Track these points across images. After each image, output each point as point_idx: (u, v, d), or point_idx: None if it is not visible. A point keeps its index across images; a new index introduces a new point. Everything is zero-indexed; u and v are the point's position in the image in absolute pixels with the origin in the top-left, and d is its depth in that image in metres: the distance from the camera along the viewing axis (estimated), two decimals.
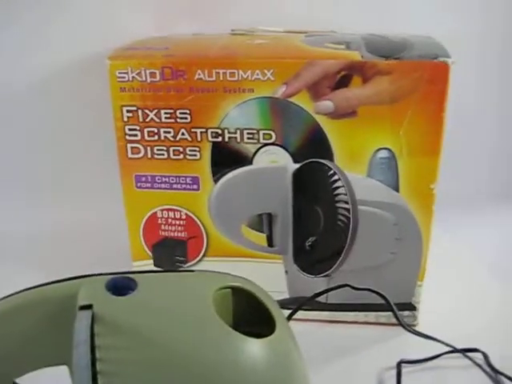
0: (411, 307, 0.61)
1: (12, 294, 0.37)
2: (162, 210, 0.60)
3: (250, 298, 0.39)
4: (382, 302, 0.56)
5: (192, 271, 0.42)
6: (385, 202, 0.56)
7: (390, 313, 0.59)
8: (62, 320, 0.36)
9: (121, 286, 0.36)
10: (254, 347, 0.35)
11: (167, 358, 0.34)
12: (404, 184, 0.55)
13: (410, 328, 0.58)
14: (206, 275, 0.40)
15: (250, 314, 0.38)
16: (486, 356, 0.56)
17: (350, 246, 0.56)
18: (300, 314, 0.57)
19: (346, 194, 0.55)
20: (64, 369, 0.38)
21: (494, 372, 0.54)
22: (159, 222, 0.60)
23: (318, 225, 0.57)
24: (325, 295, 0.59)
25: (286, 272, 0.60)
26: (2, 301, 0.37)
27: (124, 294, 0.36)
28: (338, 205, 0.55)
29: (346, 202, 0.55)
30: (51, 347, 0.37)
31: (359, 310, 0.61)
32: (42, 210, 0.84)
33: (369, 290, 0.54)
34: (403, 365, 0.55)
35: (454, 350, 0.56)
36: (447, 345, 0.56)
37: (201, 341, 0.34)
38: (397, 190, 0.55)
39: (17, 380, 0.38)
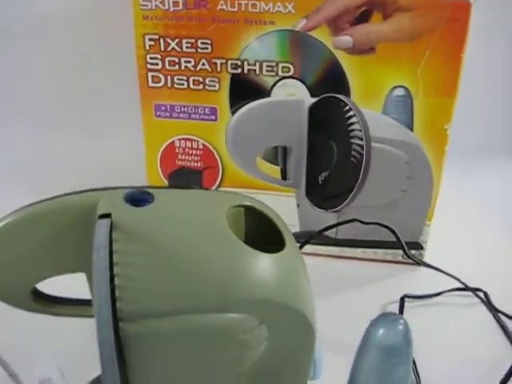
0: (418, 246, 0.62)
1: (34, 203, 0.39)
2: (180, 140, 0.61)
3: (261, 218, 0.41)
4: (390, 239, 0.58)
5: (207, 189, 0.44)
6: (398, 140, 0.57)
7: (397, 250, 0.61)
8: (81, 228, 0.38)
9: (138, 198, 0.38)
10: (265, 261, 0.37)
11: (181, 264, 0.36)
12: (418, 123, 0.56)
13: (417, 259, 0.60)
14: (220, 193, 0.41)
15: (261, 233, 0.40)
16: (486, 295, 0.58)
17: (362, 182, 0.58)
18: (310, 249, 0.59)
19: (360, 131, 0.56)
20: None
21: (494, 310, 0.56)
22: (176, 151, 0.62)
23: (331, 160, 0.58)
24: (334, 230, 0.61)
25: (298, 205, 0.61)
26: (25, 208, 0.39)
27: (141, 205, 0.37)
28: (352, 141, 0.56)
29: (360, 139, 0.56)
30: (70, 254, 0.39)
31: (368, 247, 0.63)
32: (62, 141, 0.86)
33: (378, 224, 0.56)
34: (406, 299, 0.57)
35: (458, 289, 0.58)
36: (452, 277, 0.58)
37: (214, 251, 0.36)
38: (411, 128, 0.56)
39: (37, 286, 0.41)
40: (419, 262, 0.60)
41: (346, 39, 0.53)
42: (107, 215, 0.36)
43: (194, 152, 0.61)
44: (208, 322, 0.36)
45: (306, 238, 0.57)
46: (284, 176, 0.60)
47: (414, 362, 0.51)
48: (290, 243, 0.40)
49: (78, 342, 0.52)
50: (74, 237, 0.39)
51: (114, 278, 0.35)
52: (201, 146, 0.61)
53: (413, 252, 0.62)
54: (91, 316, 0.43)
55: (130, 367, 0.36)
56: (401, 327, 0.36)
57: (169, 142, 0.61)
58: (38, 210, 0.39)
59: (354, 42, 0.53)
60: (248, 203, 0.41)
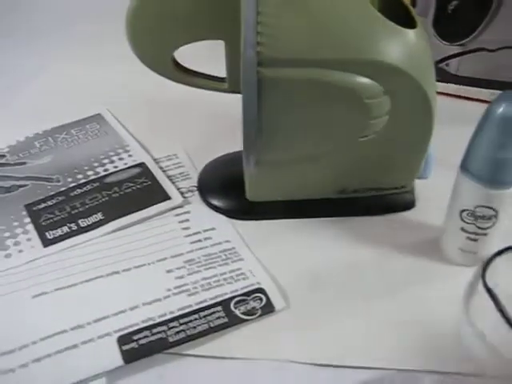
0: None
1: None
2: None
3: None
4: None
5: None
6: None
7: None
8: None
9: None
10: (399, 32, 0.40)
11: (322, 20, 0.39)
12: None
13: None
14: None
15: (394, 12, 0.42)
16: None
17: (494, 14, 0.57)
18: None
19: None
20: None
21: None
22: None
23: None
24: (456, 65, 0.61)
25: None
26: None
27: None
28: None
29: None
30: (213, 21, 0.43)
31: (490, 88, 0.62)
32: None
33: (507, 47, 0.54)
34: None
35: None
36: None
37: (354, 16, 0.40)
38: None
39: (175, 54, 0.45)
40: None
41: None
42: None
43: None
44: (338, 78, 0.40)
45: None
46: (414, 3, 0.60)
47: None
48: (420, 26, 0.42)
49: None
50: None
51: (258, 25, 0.39)
52: None
53: None
54: (224, 90, 0.47)
55: (265, 111, 0.41)
56: None
57: None
58: None
59: None
60: None
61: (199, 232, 0.47)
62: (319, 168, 0.46)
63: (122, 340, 0.38)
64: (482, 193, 0.40)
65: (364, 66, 0.40)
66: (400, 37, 0.40)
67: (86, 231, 0.47)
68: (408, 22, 0.42)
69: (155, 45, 0.45)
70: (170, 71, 0.47)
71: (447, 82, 0.63)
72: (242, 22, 0.38)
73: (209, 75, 0.48)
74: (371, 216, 0.49)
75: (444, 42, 0.61)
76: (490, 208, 0.41)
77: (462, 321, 0.40)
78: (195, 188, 0.52)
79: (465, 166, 0.40)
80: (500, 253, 0.45)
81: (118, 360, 0.37)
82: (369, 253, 0.46)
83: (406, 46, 0.40)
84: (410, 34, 0.41)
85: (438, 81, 0.63)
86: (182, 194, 0.51)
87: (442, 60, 0.58)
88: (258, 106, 0.40)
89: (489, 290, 0.42)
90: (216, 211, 0.49)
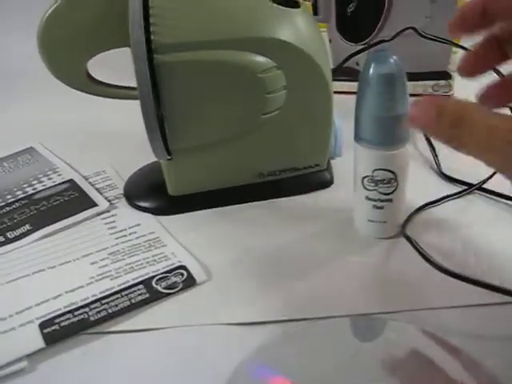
0: (447, 76, 0.65)
1: None
2: None
3: None
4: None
5: None
6: None
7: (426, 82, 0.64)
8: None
9: None
10: (284, 11, 0.44)
11: (209, 4, 0.42)
12: None
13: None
14: None
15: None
16: None
17: (388, 9, 0.62)
18: (338, 86, 0.62)
19: None
20: None
21: None
22: None
23: None
24: None
25: (330, 41, 0.66)
26: None
27: None
28: None
29: None
30: (115, 31, 0.46)
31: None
32: None
33: (433, 39, 0.58)
34: None
35: None
36: None
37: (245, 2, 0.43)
38: None
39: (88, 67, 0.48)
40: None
41: None
42: None
43: None
44: (230, 57, 0.43)
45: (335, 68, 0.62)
46: (315, 11, 0.65)
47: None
48: (304, 7, 0.46)
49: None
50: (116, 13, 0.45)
51: (149, 18, 0.42)
52: None
53: (442, 82, 0.66)
54: (135, 97, 0.50)
55: (164, 98, 0.43)
56: (393, 59, 0.40)
57: None
58: None
59: None
60: None
61: (125, 229, 0.48)
62: (231, 154, 0.48)
63: (44, 325, 0.39)
64: (376, 155, 0.42)
65: (254, 44, 0.43)
66: (285, 15, 0.44)
67: (14, 241, 0.48)
68: (292, 6, 0.46)
69: (68, 58, 0.48)
70: (85, 84, 0.49)
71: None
72: (129, 16, 0.41)
73: (120, 86, 0.51)
74: (290, 197, 0.51)
75: (350, 43, 0.65)
76: (388, 170, 0.43)
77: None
78: (122, 195, 0.53)
79: (357, 135, 0.43)
80: (419, 210, 0.48)
81: (40, 343, 0.37)
82: (291, 232, 0.47)
83: (293, 23, 0.44)
84: (295, 12, 0.44)
85: (350, 80, 0.68)
86: (109, 201, 0.52)
87: (347, 59, 0.61)
88: (157, 94, 0.43)
89: (408, 238, 0.44)
90: (142, 211, 0.51)
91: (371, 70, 0.40)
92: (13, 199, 0.53)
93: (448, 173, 0.52)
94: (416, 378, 0.34)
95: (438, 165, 0.54)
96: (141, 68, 0.42)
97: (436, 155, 0.55)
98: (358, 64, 0.66)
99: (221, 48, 0.42)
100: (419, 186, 0.47)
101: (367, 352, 0.36)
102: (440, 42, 0.57)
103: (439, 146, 0.55)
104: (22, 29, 0.64)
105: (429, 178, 0.53)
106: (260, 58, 0.43)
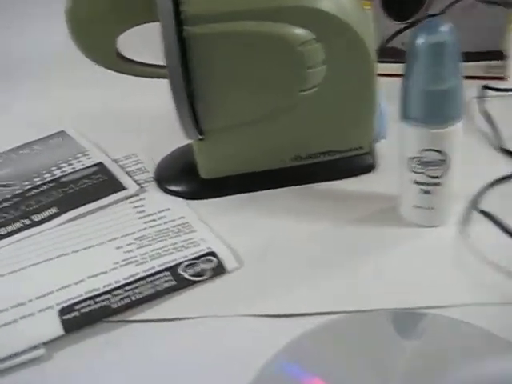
0: (501, 56, 0.61)
1: None
2: None
3: None
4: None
5: None
6: None
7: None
8: None
9: None
10: None
11: None
12: None
13: None
14: None
15: None
16: None
17: None
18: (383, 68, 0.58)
19: None
20: None
21: None
22: None
23: None
24: None
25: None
26: None
27: None
28: None
29: None
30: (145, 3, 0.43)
31: None
32: None
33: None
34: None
35: None
36: None
37: None
38: None
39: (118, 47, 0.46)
40: None
41: None
42: None
43: None
44: (268, 28, 0.40)
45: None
46: None
47: None
48: None
49: None
50: None
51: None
52: None
53: (494, 63, 0.61)
54: (165, 76, 0.48)
55: (194, 73, 0.40)
56: (445, 28, 0.36)
57: None
58: None
59: None
60: None
61: (154, 213, 0.46)
62: (266, 134, 0.45)
63: (64, 311, 0.36)
64: (424, 134, 0.38)
65: (292, 14, 0.40)
66: None
67: (39, 224, 0.46)
68: None
69: (98, 36, 0.46)
70: (115, 62, 0.47)
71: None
72: None
73: (150, 64, 0.48)
74: (330, 181, 0.47)
75: (395, 22, 0.61)
76: (437, 151, 0.39)
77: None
78: (152, 179, 0.51)
79: (403, 114, 0.39)
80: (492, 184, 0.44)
81: (59, 330, 0.35)
82: (328, 219, 0.44)
83: None
84: None
85: (395, 62, 0.64)
86: (138, 184, 0.50)
87: (391, 38, 0.58)
88: (186, 69, 0.40)
89: (484, 213, 0.40)
90: (172, 195, 0.48)
91: (420, 40, 0.36)
92: (41, 182, 0.51)
93: None
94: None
95: (501, 141, 0.49)
96: (169, 41, 0.39)
97: (497, 131, 0.51)
98: (403, 44, 0.62)
99: (256, 19, 0.39)
100: (478, 165, 0.44)
101: (412, 350, 0.33)
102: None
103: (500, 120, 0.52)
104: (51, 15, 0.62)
105: (489, 155, 0.49)
106: (299, 30, 0.40)
